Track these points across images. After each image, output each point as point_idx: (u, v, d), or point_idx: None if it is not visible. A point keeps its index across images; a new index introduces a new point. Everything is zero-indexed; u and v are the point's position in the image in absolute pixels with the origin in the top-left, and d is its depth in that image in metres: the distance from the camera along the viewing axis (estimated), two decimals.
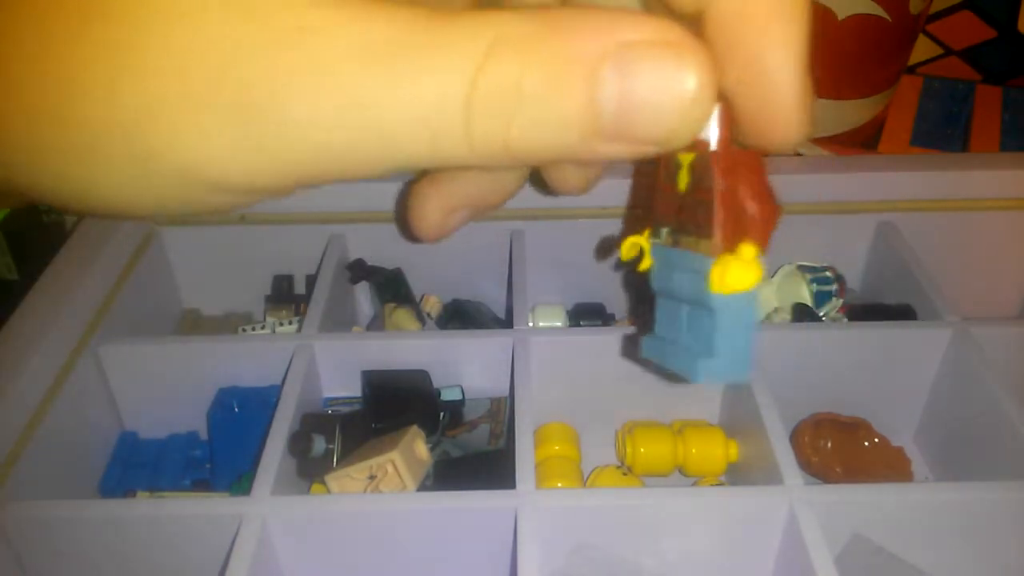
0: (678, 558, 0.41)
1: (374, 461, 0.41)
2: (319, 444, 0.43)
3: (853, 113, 0.70)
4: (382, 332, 0.53)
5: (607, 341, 0.48)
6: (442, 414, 0.48)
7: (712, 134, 0.21)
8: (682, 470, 0.48)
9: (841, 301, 0.53)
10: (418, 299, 0.56)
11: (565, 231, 0.55)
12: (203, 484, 0.48)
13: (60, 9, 0.17)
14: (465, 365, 0.49)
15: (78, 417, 0.45)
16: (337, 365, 0.49)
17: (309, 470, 0.44)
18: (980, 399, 0.45)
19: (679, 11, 0.21)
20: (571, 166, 0.27)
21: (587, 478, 0.48)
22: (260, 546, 0.37)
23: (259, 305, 0.58)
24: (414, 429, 0.44)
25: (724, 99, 0.21)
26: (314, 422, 0.45)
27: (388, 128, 0.18)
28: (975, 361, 0.45)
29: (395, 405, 0.46)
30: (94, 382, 0.47)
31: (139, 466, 0.48)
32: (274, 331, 0.53)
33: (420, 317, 0.54)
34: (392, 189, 0.54)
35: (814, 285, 0.53)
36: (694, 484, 0.49)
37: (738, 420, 0.47)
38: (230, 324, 0.58)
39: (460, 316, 0.55)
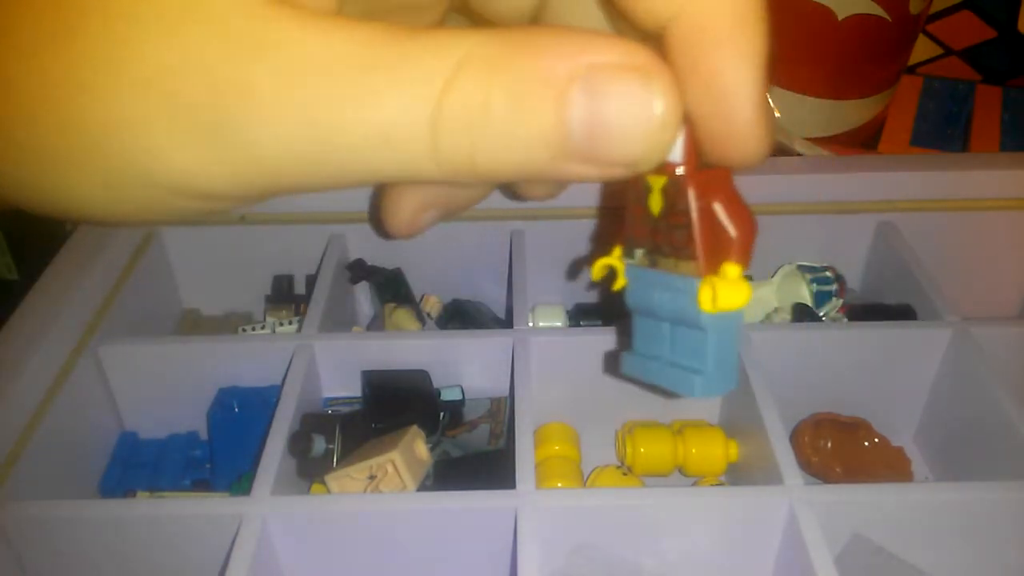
0: (678, 558, 0.41)
1: (374, 461, 0.41)
2: (319, 444, 0.43)
3: (853, 113, 0.70)
4: (382, 332, 0.53)
5: (607, 341, 0.48)
6: (442, 414, 0.48)
7: (678, 156, 0.22)
8: (682, 470, 0.48)
9: (841, 301, 0.53)
10: (418, 299, 0.56)
11: (565, 231, 0.55)
12: (203, 484, 0.48)
13: (29, 24, 0.18)
14: (465, 365, 0.49)
15: (78, 417, 0.45)
16: (337, 365, 0.49)
17: (309, 470, 0.44)
18: (980, 399, 0.45)
19: (643, 29, 0.21)
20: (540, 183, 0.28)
21: (587, 478, 0.48)
22: (260, 546, 0.37)
23: (259, 305, 0.58)
24: (414, 429, 0.44)
25: (689, 120, 0.21)
26: (314, 422, 0.45)
27: (349, 145, 0.18)
28: (975, 361, 0.45)
29: (395, 405, 0.46)
30: (94, 382, 0.47)
31: (139, 466, 0.48)
32: (274, 331, 0.53)
33: (420, 317, 0.54)
34: None
35: (814, 285, 0.53)
36: (694, 484, 0.49)
37: (738, 420, 0.47)
38: (230, 324, 0.58)
39: (460, 316, 0.55)
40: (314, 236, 0.55)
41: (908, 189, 0.54)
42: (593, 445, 0.50)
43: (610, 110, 0.18)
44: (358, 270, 0.55)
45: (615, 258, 0.25)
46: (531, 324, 0.53)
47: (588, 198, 0.54)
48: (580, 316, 0.56)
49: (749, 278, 0.56)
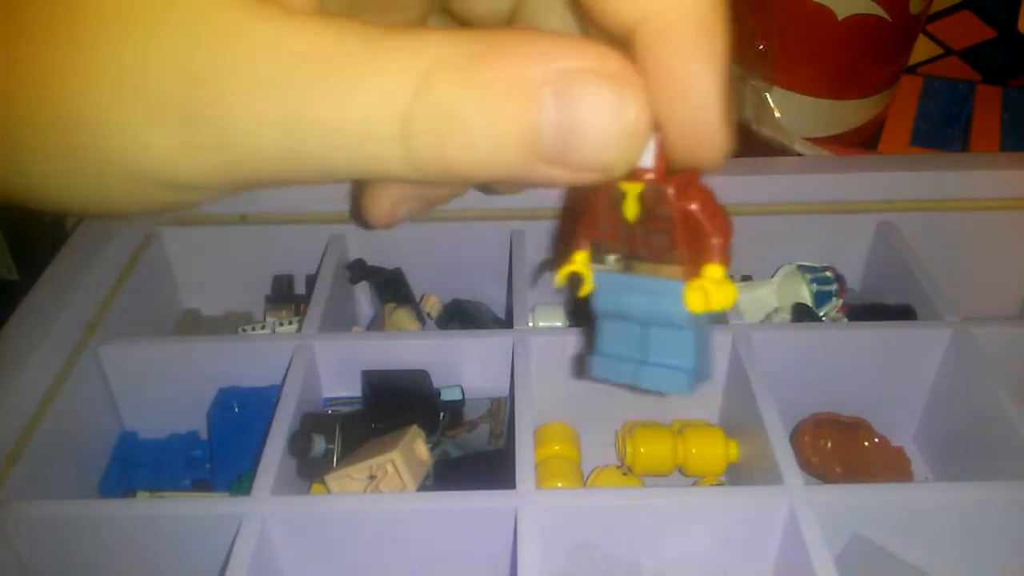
0: (678, 558, 0.41)
1: (374, 461, 0.41)
2: (319, 444, 0.43)
3: (853, 113, 0.70)
4: (382, 332, 0.53)
5: None
6: (442, 414, 0.48)
7: (649, 161, 0.22)
8: (682, 470, 0.48)
9: (841, 301, 0.53)
10: (418, 299, 0.56)
11: None
12: (203, 484, 0.48)
13: (3, 21, 0.18)
14: (465, 365, 0.49)
15: (78, 417, 0.45)
16: (337, 365, 0.49)
17: (309, 470, 0.44)
18: (980, 399, 0.45)
19: (610, 33, 0.21)
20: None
21: (587, 478, 0.48)
22: (260, 546, 0.37)
23: (259, 305, 0.58)
24: (414, 429, 0.44)
25: (659, 125, 0.21)
26: (314, 422, 0.45)
27: (320, 141, 0.18)
28: (975, 361, 0.45)
29: (395, 405, 0.46)
30: (94, 382, 0.47)
31: (139, 466, 0.48)
32: (274, 331, 0.53)
33: (420, 317, 0.54)
34: None
35: (814, 285, 0.53)
36: (694, 484, 0.49)
37: (738, 420, 0.47)
38: (230, 324, 0.58)
39: (460, 316, 0.55)
40: (314, 236, 0.55)
41: (908, 189, 0.54)
42: (593, 445, 0.50)
43: (581, 115, 0.18)
44: (358, 270, 0.55)
45: (580, 264, 0.25)
46: (531, 324, 0.53)
47: None
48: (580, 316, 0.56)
49: (749, 278, 0.57)
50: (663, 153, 0.22)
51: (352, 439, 0.45)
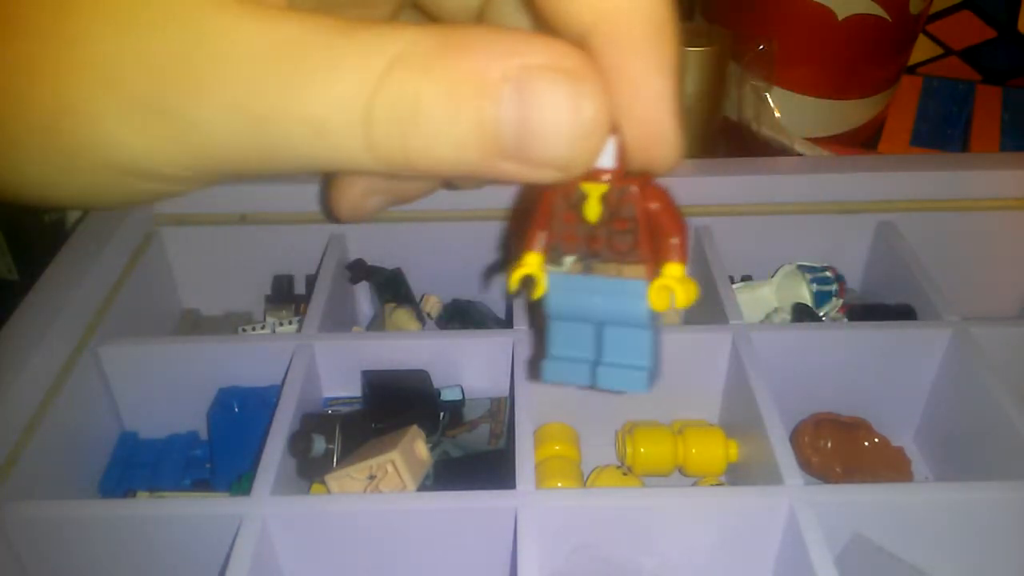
0: (678, 558, 0.41)
1: (374, 461, 0.41)
2: (319, 444, 0.43)
3: (853, 113, 0.70)
4: (382, 332, 0.53)
5: None
6: (442, 414, 0.48)
7: (609, 162, 0.22)
8: (682, 470, 0.48)
9: (841, 301, 0.53)
10: (418, 299, 0.56)
11: None
12: (203, 484, 0.48)
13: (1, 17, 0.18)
14: (465, 365, 0.49)
15: (78, 417, 0.45)
16: (337, 365, 0.49)
17: (309, 470, 0.44)
18: (980, 399, 0.45)
19: (568, 35, 0.21)
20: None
21: (587, 478, 0.48)
22: (260, 546, 0.37)
23: (259, 305, 0.58)
24: (414, 429, 0.44)
25: (617, 127, 0.21)
26: (314, 422, 0.45)
27: (284, 133, 0.18)
28: (975, 361, 0.45)
29: (395, 405, 0.46)
30: (94, 382, 0.47)
31: (139, 466, 0.48)
32: (274, 331, 0.53)
33: (420, 317, 0.54)
34: None
35: (814, 285, 0.53)
36: (694, 484, 0.49)
37: (738, 420, 0.47)
38: (230, 324, 0.58)
39: (460, 316, 0.55)
40: (314, 236, 0.55)
41: (908, 189, 0.54)
42: (593, 445, 0.50)
43: (539, 111, 0.18)
44: (358, 270, 0.55)
45: (533, 267, 0.25)
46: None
47: None
48: None
49: (749, 278, 0.57)
50: (622, 154, 0.22)
51: (352, 439, 0.45)
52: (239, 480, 0.46)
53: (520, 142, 0.19)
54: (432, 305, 0.56)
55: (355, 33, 0.18)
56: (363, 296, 0.59)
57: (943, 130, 0.74)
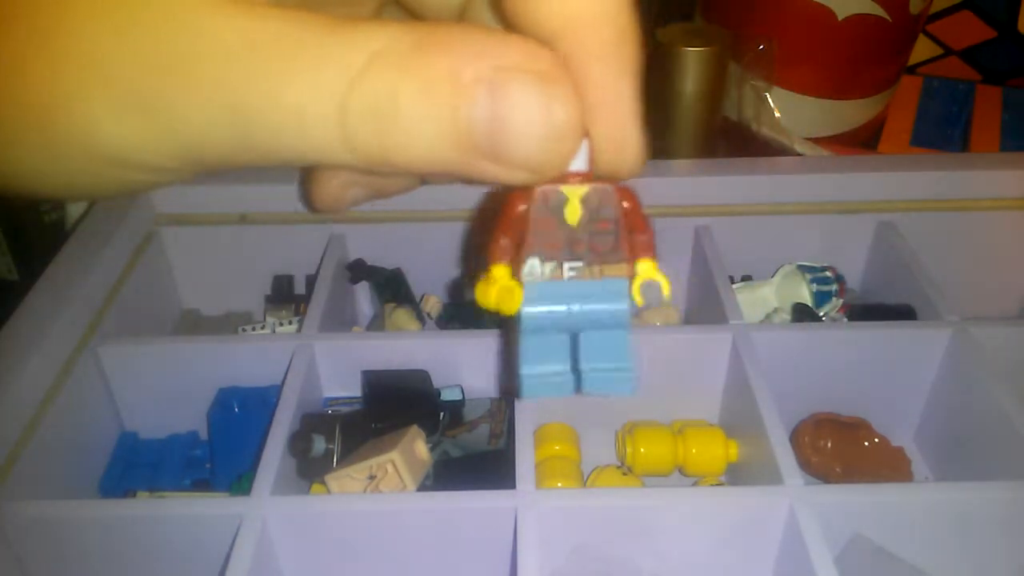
0: (678, 558, 0.41)
1: (374, 461, 0.41)
2: (319, 444, 0.43)
3: (853, 113, 0.70)
4: (382, 332, 0.53)
5: None
6: (442, 414, 0.48)
7: (582, 164, 0.22)
8: (682, 470, 0.48)
9: (841, 301, 0.53)
10: (418, 299, 0.56)
11: None
12: (203, 484, 0.48)
13: None
14: (465, 365, 0.49)
15: (78, 417, 0.45)
16: (337, 365, 0.49)
17: (309, 470, 0.44)
18: (980, 399, 0.45)
19: (536, 38, 0.21)
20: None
21: (587, 478, 0.48)
22: (260, 546, 0.37)
23: (259, 305, 0.58)
24: (414, 429, 0.44)
25: (586, 131, 0.21)
26: (314, 422, 0.45)
27: (265, 126, 0.19)
28: (975, 361, 0.45)
29: (395, 405, 0.46)
30: (94, 382, 0.47)
31: (139, 466, 0.48)
32: (274, 331, 0.53)
33: (420, 317, 0.54)
34: None
35: (814, 285, 0.53)
36: (694, 484, 0.49)
37: (738, 420, 0.47)
38: (230, 324, 0.58)
39: (460, 316, 0.55)
40: (314, 236, 0.55)
41: (908, 189, 0.54)
42: (593, 445, 0.50)
43: (511, 112, 0.19)
44: (358, 270, 0.55)
45: (506, 280, 0.25)
46: None
47: None
48: None
49: (749, 278, 0.57)
50: (593, 157, 0.22)
51: (352, 439, 0.45)
52: (239, 480, 0.46)
53: (493, 143, 0.19)
54: (432, 305, 0.56)
55: (337, 29, 0.19)
56: (363, 296, 0.59)
57: (943, 130, 0.74)
